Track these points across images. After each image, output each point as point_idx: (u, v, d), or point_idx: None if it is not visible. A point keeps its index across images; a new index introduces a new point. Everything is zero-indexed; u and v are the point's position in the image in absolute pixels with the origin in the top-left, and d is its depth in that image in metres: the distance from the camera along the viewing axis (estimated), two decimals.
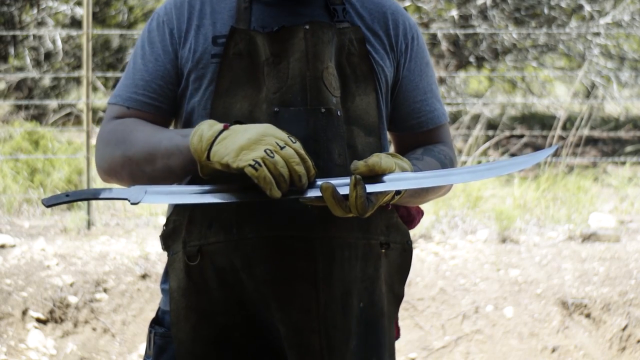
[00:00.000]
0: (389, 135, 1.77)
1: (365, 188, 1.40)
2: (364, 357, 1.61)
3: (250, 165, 1.39)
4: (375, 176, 1.44)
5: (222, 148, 1.42)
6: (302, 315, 1.54)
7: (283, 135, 1.42)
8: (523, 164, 1.54)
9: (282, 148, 1.40)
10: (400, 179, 1.45)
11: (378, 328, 1.63)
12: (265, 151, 1.39)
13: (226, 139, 1.43)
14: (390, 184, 1.44)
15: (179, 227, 1.60)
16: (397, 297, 1.68)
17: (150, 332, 1.70)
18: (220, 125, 1.45)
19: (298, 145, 1.42)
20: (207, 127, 1.46)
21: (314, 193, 1.43)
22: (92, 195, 1.47)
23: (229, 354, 1.59)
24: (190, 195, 1.46)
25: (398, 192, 1.49)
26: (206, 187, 1.47)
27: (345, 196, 1.41)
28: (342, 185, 1.42)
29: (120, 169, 1.60)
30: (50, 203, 1.42)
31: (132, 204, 1.44)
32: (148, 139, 1.56)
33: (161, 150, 1.53)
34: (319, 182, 1.42)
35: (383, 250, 1.63)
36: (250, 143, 1.41)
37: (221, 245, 1.56)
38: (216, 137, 1.44)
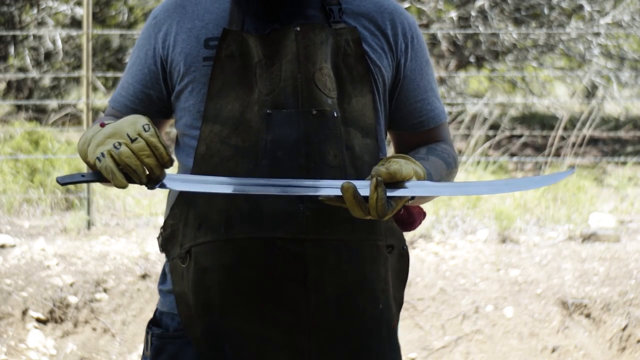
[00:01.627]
0: (388, 135, 1.77)
1: (385, 190, 1.41)
2: (390, 358, 1.62)
3: (97, 158, 1.41)
4: (395, 182, 1.44)
5: (90, 147, 1.45)
6: (291, 317, 1.55)
7: (137, 126, 1.43)
8: (540, 183, 1.58)
9: (133, 140, 1.41)
10: (419, 185, 1.47)
11: (393, 329, 1.64)
12: (113, 144, 1.41)
13: (93, 138, 1.45)
14: (410, 190, 1.45)
15: (176, 231, 1.61)
16: (398, 302, 1.68)
17: (147, 333, 1.70)
18: (99, 126, 1.47)
19: (150, 133, 1.42)
20: (92, 130, 1.47)
21: (334, 192, 1.43)
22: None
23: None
24: (209, 184, 1.47)
25: (412, 198, 1.50)
26: (226, 179, 1.48)
27: (365, 198, 1.42)
28: (362, 187, 1.43)
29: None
30: (65, 181, 1.44)
31: (149, 188, 1.46)
32: None
33: None
34: (341, 182, 1.42)
35: (388, 253, 1.63)
36: (105, 138, 1.43)
37: (208, 245, 1.56)
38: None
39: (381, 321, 1.60)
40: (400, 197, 1.44)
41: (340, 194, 1.41)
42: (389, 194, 1.42)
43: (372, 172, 1.43)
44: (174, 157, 1.48)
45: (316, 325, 1.55)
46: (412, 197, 1.49)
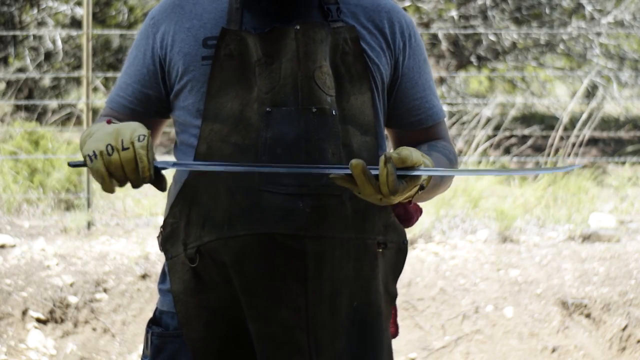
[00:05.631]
0: (386, 132, 1.77)
1: (395, 167, 1.40)
2: (359, 356, 1.61)
3: (88, 155, 1.43)
4: (405, 168, 1.44)
5: (89, 142, 1.46)
6: (291, 314, 1.55)
7: (134, 134, 1.44)
8: (548, 171, 1.62)
9: (125, 149, 1.42)
10: (429, 169, 1.47)
11: (375, 327, 1.63)
12: (107, 147, 1.42)
13: (95, 133, 1.46)
14: (421, 170, 1.44)
15: (177, 230, 1.61)
16: (392, 296, 1.68)
17: (147, 332, 1.70)
18: (106, 122, 1.49)
19: (142, 145, 1.43)
20: (98, 125, 1.49)
21: (343, 170, 1.43)
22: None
23: (247, 348, 1.59)
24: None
25: (421, 188, 1.49)
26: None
27: (376, 177, 1.41)
28: (371, 170, 1.42)
29: None
30: (75, 164, 1.49)
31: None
32: None
33: None
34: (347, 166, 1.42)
35: (380, 250, 1.63)
36: (104, 136, 1.44)
37: (213, 244, 1.56)
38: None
39: (354, 319, 1.60)
40: (412, 178, 1.43)
41: (350, 172, 1.40)
42: (399, 173, 1.41)
43: (381, 157, 1.41)
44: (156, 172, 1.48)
45: (314, 322, 1.56)
46: (422, 188, 1.49)
